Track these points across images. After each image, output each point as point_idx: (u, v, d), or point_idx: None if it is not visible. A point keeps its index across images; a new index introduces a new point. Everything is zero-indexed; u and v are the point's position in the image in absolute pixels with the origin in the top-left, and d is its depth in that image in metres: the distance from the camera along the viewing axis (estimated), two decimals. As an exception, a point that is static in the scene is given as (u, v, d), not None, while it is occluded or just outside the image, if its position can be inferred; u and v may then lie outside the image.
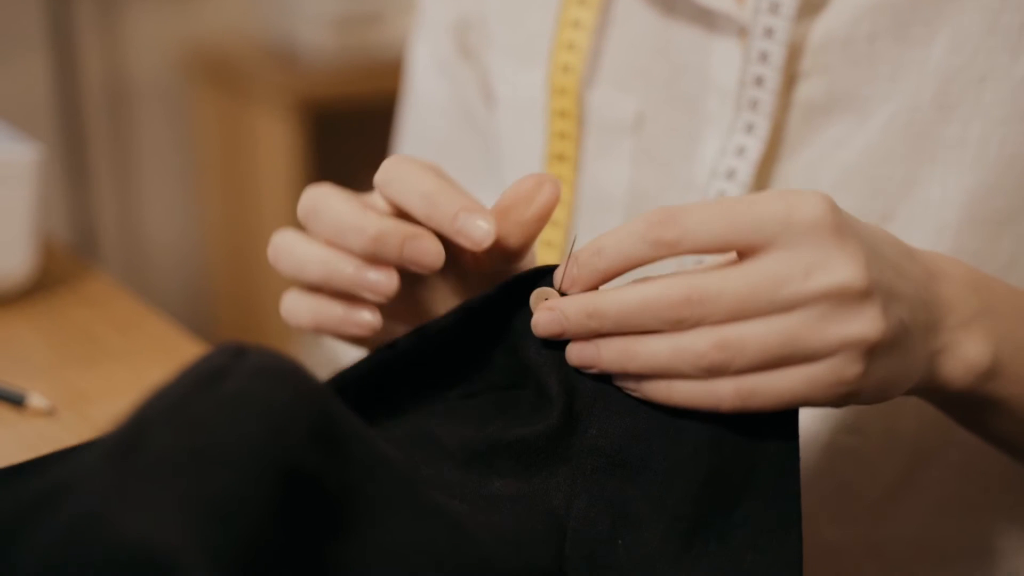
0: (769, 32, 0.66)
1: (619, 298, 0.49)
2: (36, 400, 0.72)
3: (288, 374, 0.46)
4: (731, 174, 0.68)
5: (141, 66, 2.25)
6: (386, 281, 0.55)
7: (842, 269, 0.47)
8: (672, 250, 0.48)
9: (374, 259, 0.55)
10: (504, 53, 0.78)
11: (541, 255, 0.77)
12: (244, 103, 2.13)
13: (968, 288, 0.54)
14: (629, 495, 0.51)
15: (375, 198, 0.59)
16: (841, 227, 0.48)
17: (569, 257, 0.51)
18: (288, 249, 0.59)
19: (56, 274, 0.92)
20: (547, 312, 0.51)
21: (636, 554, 0.50)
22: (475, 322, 0.55)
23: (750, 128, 0.67)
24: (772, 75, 0.66)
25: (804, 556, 0.68)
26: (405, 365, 0.56)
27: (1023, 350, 0.56)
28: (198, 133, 2.33)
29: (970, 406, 0.57)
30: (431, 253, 0.54)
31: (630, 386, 0.50)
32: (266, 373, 0.45)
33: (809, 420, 0.69)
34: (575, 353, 0.50)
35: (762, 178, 0.69)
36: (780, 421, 0.50)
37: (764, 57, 0.66)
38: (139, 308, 0.88)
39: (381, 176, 0.57)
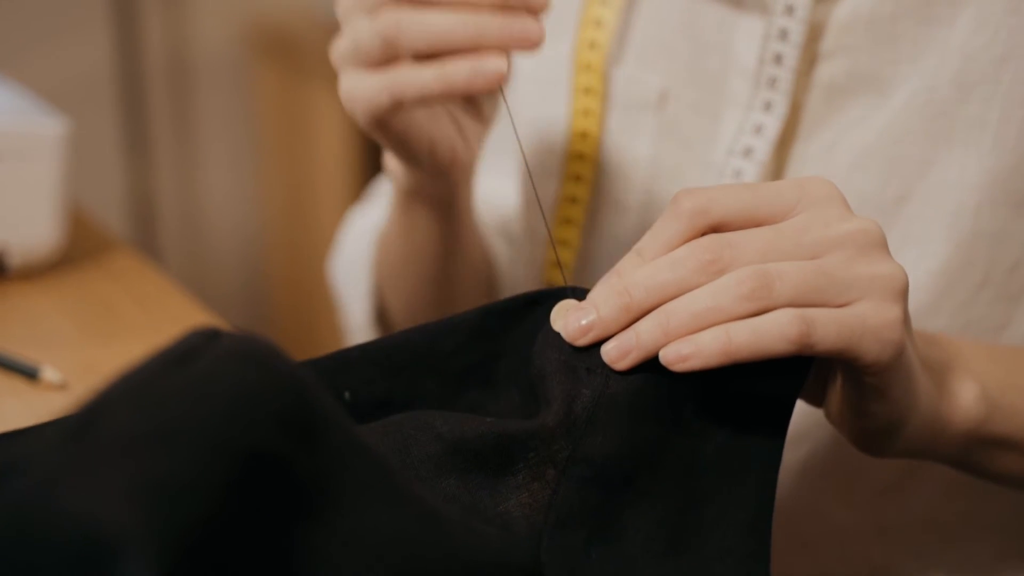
0: (790, 9, 0.65)
1: (647, 267, 0.48)
2: (49, 374, 0.73)
3: (261, 357, 0.45)
4: (748, 152, 0.67)
5: (203, 41, 2.26)
6: (536, 27, 0.58)
7: (859, 220, 0.49)
8: (705, 217, 0.49)
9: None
10: None
11: (559, 232, 0.76)
12: (305, 79, 2.14)
13: (925, 340, 0.55)
14: (610, 507, 0.50)
15: None
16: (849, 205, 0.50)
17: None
18: (416, 19, 0.58)
19: (85, 248, 0.92)
20: (577, 310, 0.50)
21: (611, 566, 0.49)
22: (488, 326, 0.54)
23: (768, 106, 0.67)
24: (791, 53, 0.65)
25: (813, 538, 0.68)
26: (411, 356, 0.55)
27: (1009, 386, 0.56)
28: (259, 108, 2.34)
29: (974, 451, 0.56)
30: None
31: (684, 351, 0.46)
32: (238, 356, 0.44)
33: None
34: (613, 345, 0.48)
35: (779, 157, 0.68)
36: (765, 458, 0.50)
37: (784, 35, 0.65)
38: (163, 284, 0.88)
39: (386, 27, 0.59)
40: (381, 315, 0.86)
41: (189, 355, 0.44)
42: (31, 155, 0.86)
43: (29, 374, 0.73)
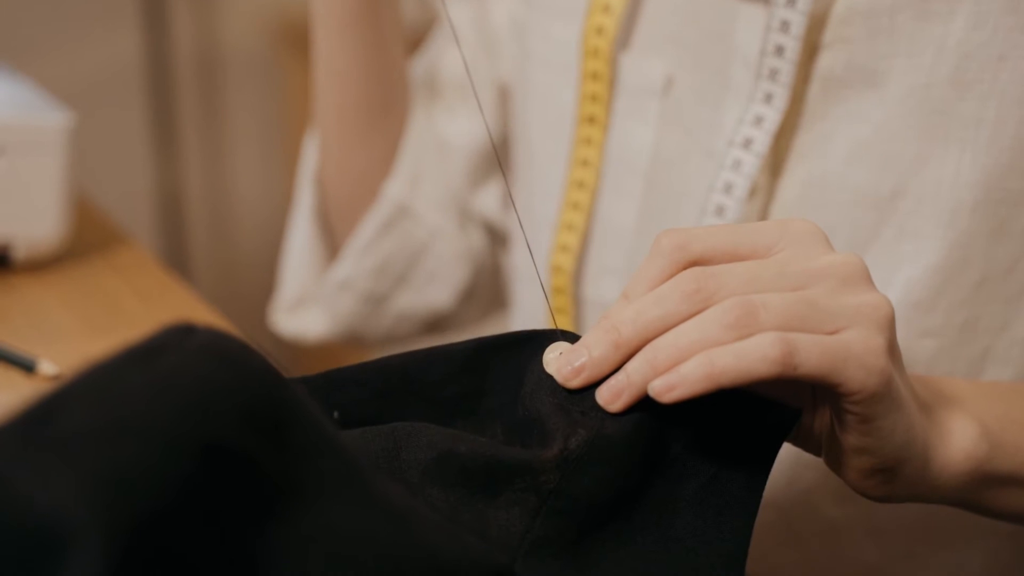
0: (791, 1, 0.64)
1: (635, 304, 0.49)
2: (45, 367, 0.73)
3: (232, 355, 0.45)
4: (747, 143, 0.67)
5: (232, 36, 2.27)
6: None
7: (841, 254, 0.49)
8: (685, 252, 0.49)
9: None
10: (541, 6, 0.78)
11: (568, 218, 0.76)
12: (331, 75, 2.14)
13: (920, 381, 0.55)
14: (586, 544, 0.50)
15: None
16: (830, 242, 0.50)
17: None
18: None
19: (91, 241, 0.92)
20: (569, 352, 0.50)
21: None
22: (481, 358, 0.54)
23: (769, 98, 0.67)
24: (792, 45, 0.65)
25: (805, 534, 0.67)
26: (401, 380, 0.55)
27: (1009, 421, 0.55)
28: (287, 103, 2.35)
29: (978, 490, 0.55)
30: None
31: (671, 381, 0.46)
32: (208, 352, 0.44)
33: None
34: (606, 389, 0.49)
35: (778, 149, 0.68)
36: (744, 501, 0.50)
37: (785, 26, 0.65)
38: (166, 279, 0.88)
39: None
40: (321, 206, 0.90)
41: (158, 350, 0.44)
42: (36, 148, 0.86)
43: (27, 367, 0.74)
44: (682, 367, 0.46)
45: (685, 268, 0.49)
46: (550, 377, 0.51)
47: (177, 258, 2.20)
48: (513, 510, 0.50)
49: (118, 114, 2.10)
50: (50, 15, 2.02)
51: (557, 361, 0.50)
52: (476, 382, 0.55)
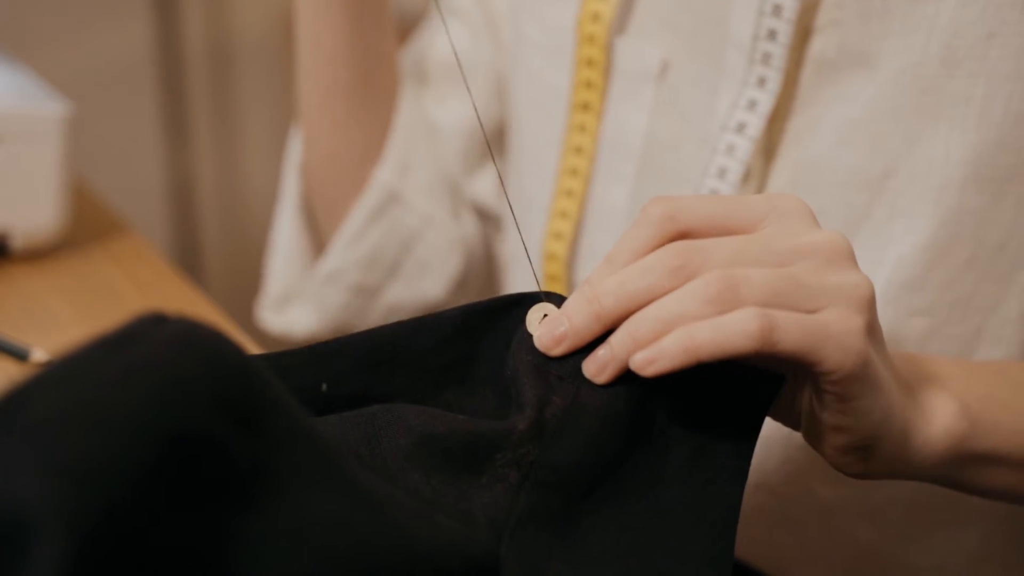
0: None
1: (617, 276, 0.49)
2: (39, 355, 0.73)
3: (204, 344, 0.44)
4: (741, 128, 0.67)
5: (244, 28, 2.27)
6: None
7: (827, 232, 0.49)
8: (674, 223, 0.49)
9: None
10: None
11: (561, 205, 0.76)
12: (343, 65, 2.14)
13: (901, 359, 0.55)
14: (572, 514, 0.50)
15: None
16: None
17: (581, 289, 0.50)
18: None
19: (90, 231, 0.92)
20: (550, 321, 0.50)
21: (570, 572, 0.49)
22: (469, 325, 0.54)
23: (762, 82, 0.66)
24: (785, 29, 0.65)
25: (800, 516, 0.67)
26: (390, 351, 0.55)
27: (990, 400, 0.56)
28: (298, 94, 2.35)
29: (959, 468, 0.56)
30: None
31: (650, 355, 0.46)
32: (179, 341, 0.44)
33: None
34: (591, 362, 0.49)
35: (772, 132, 0.68)
36: (731, 472, 0.50)
37: (777, 11, 0.65)
38: (165, 269, 0.88)
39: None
40: (307, 199, 0.89)
41: (128, 340, 0.43)
42: (34, 138, 0.86)
43: (20, 356, 0.74)
44: (662, 341, 0.46)
45: (672, 239, 0.49)
46: (530, 336, 0.51)
47: (188, 250, 2.20)
48: (496, 487, 0.50)
49: (130, 105, 2.10)
50: (61, 5, 2.02)
51: (539, 328, 0.50)
52: (467, 349, 0.54)
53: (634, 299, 0.48)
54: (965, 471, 0.55)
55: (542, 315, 0.51)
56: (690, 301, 0.46)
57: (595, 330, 0.49)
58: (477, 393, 0.54)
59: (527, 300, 0.53)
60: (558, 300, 0.52)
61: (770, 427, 0.67)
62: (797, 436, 0.68)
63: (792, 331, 0.46)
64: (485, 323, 0.54)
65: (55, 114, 0.87)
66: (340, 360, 0.55)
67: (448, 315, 0.54)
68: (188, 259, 2.19)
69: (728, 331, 0.45)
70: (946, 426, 0.53)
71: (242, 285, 2.32)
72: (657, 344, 0.46)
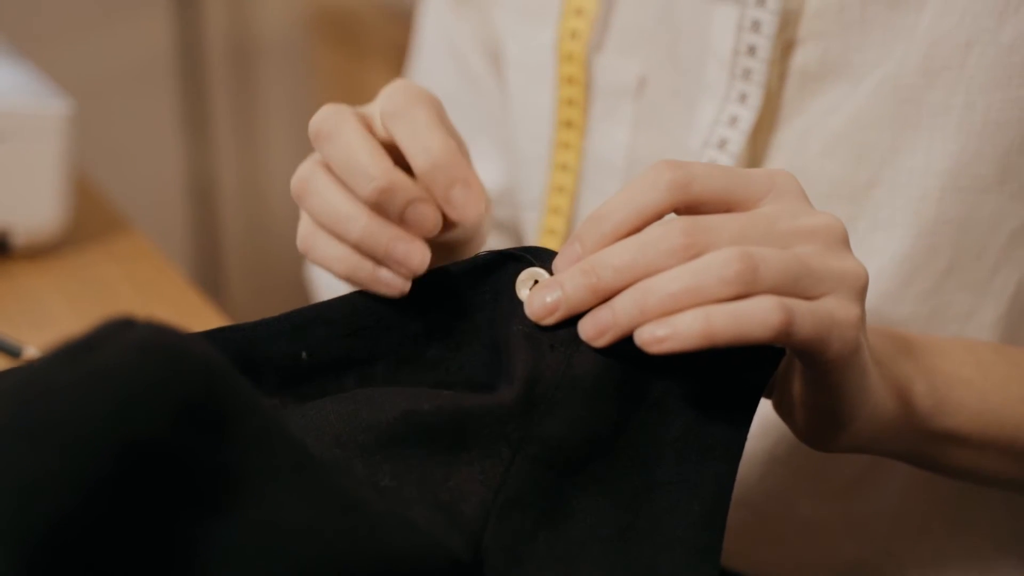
0: (762, 1, 0.64)
1: (617, 247, 0.47)
2: (31, 353, 0.73)
3: (171, 349, 0.44)
4: (723, 144, 0.67)
5: (265, 23, 2.28)
6: (419, 258, 0.52)
7: (824, 215, 0.49)
8: (685, 192, 0.47)
9: (376, 208, 0.52)
10: (513, 10, 0.77)
11: (547, 221, 0.76)
12: (366, 61, 2.14)
13: (875, 333, 0.54)
14: (562, 489, 0.49)
15: (375, 111, 0.56)
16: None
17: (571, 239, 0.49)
18: (318, 192, 0.55)
19: (91, 229, 0.93)
20: (542, 288, 0.48)
21: (557, 550, 0.48)
22: (452, 284, 0.53)
23: (743, 98, 0.66)
24: (764, 44, 0.64)
25: (782, 533, 0.70)
26: (372, 316, 0.54)
27: (956, 380, 0.56)
28: (319, 90, 2.35)
29: (924, 446, 0.56)
30: (430, 220, 0.52)
31: (660, 333, 0.44)
32: (143, 347, 0.43)
33: None
34: (590, 323, 0.47)
35: (756, 145, 0.67)
36: (726, 448, 0.49)
37: (757, 26, 0.64)
38: (164, 268, 0.88)
39: (389, 106, 0.53)
40: None
41: (91, 347, 0.43)
42: (36, 135, 0.87)
43: (13, 353, 0.74)
44: (676, 320, 0.44)
45: (679, 208, 0.47)
46: (520, 303, 0.49)
47: (209, 249, 2.21)
48: (485, 461, 0.49)
49: (151, 103, 2.11)
50: (83, 2, 2.03)
51: (530, 294, 0.49)
52: (451, 304, 0.53)
53: (634, 273, 0.46)
54: (929, 449, 0.55)
55: (532, 281, 0.50)
56: (706, 277, 0.44)
57: (590, 303, 0.47)
58: (463, 348, 0.53)
59: (510, 260, 0.51)
60: (547, 257, 0.50)
61: (751, 444, 0.66)
62: (779, 451, 0.67)
63: (807, 323, 0.45)
64: (468, 281, 0.53)
65: (57, 112, 0.87)
66: (318, 328, 0.54)
67: (430, 276, 0.53)
68: (209, 257, 2.20)
69: (750, 321, 0.44)
70: (913, 403, 0.53)
71: (264, 283, 2.33)
72: (669, 321, 0.44)
